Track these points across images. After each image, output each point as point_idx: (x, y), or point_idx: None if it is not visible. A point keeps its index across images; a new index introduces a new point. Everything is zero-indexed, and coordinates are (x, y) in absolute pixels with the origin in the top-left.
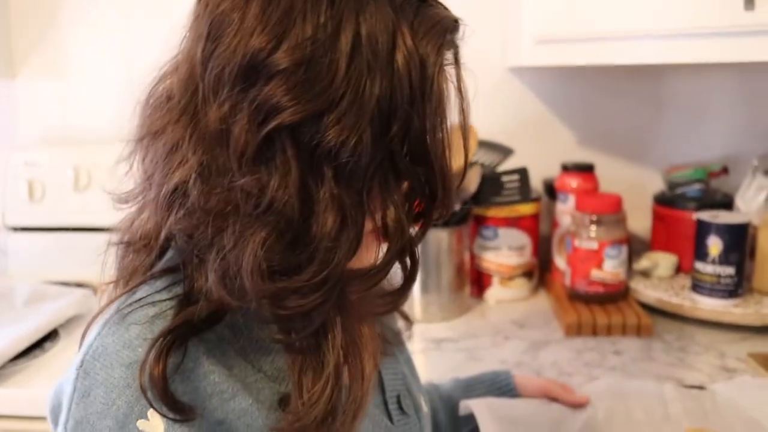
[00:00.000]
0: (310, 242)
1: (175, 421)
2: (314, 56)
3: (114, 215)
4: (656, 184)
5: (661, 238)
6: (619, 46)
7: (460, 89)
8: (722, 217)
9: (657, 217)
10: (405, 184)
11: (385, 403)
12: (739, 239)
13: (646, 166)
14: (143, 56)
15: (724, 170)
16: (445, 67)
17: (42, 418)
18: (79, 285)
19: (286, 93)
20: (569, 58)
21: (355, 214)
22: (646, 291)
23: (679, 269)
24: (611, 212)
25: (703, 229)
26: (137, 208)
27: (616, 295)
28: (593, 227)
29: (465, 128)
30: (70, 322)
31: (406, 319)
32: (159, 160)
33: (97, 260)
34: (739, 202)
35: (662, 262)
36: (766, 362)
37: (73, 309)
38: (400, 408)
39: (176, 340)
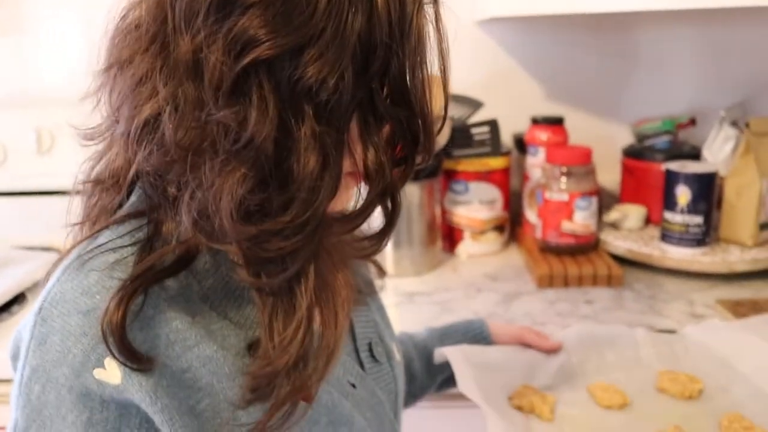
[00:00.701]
0: (292, 182)
1: (133, 369)
2: None
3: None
4: (625, 138)
5: (630, 190)
6: None
7: (439, 29)
8: (690, 167)
9: (626, 170)
10: (386, 127)
11: (357, 351)
12: (707, 189)
13: (614, 120)
14: (103, 12)
15: (692, 122)
16: (425, 6)
17: (10, 381)
18: (45, 249)
19: (264, 25)
20: (539, 8)
21: (336, 154)
22: (616, 242)
23: (648, 220)
24: (581, 164)
25: (671, 179)
26: (105, 144)
27: (586, 247)
28: (563, 179)
29: (445, 70)
30: (37, 285)
31: (379, 269)
32: (127, 92)
33: (63, 224)
34: (706, 152)
35: (632, 213)
36: (734, 308)
37: (40, 273)
38: (372, 355)
39: (137, 288)
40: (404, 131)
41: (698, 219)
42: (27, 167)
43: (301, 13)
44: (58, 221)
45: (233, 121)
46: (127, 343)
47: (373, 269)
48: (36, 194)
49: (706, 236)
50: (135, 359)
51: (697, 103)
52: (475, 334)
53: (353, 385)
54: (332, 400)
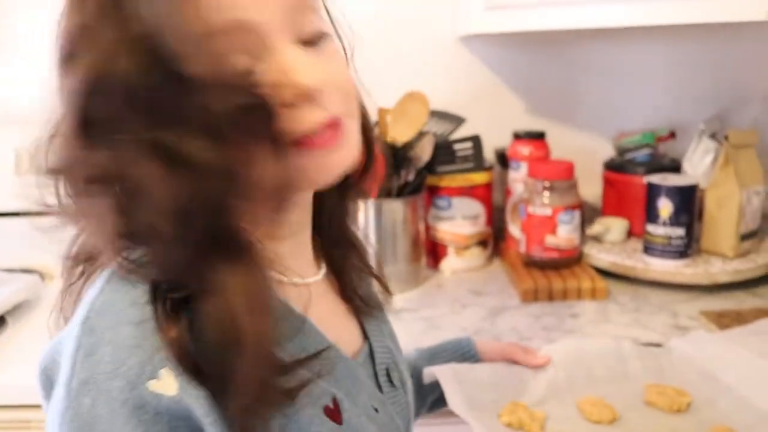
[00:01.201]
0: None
1: (189, 380)
2: None
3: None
4: (606, 151)
5: (612, 203)
6: (570, 11)
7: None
8: (672, 179)
9: (607, 183)
10: None
11: (376, 375)
12: (689, 201)
13: (595, 133)
14: None
15: (672, 135)
16: None
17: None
18: (25, 271)
19: None
20: (520, 24)
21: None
22: (600, 255)
23: (630, 233)
24: (563, 178)
25: (653, 192)
26: None
27: (570, 260)
28: (546, 193)
29: None
30: (17, 308)
31: (386, 289)
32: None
33: (43, 245)
34: (686, 165)
35: (614, 226)
36: (718, 319)
37: (21, 295)
38: (390, 380)
39: (187, 298)
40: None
41: (680, 231)
42: (4, 187)
43: None
44: (38, 243)
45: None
46: (185, 353)
47: (379, 289)
48: (14, 215)
49: (688, 248)
50: (192, 369)
51: (676, 115)
52: (464, 352)
53: (376, 410)
54: (361, 424)
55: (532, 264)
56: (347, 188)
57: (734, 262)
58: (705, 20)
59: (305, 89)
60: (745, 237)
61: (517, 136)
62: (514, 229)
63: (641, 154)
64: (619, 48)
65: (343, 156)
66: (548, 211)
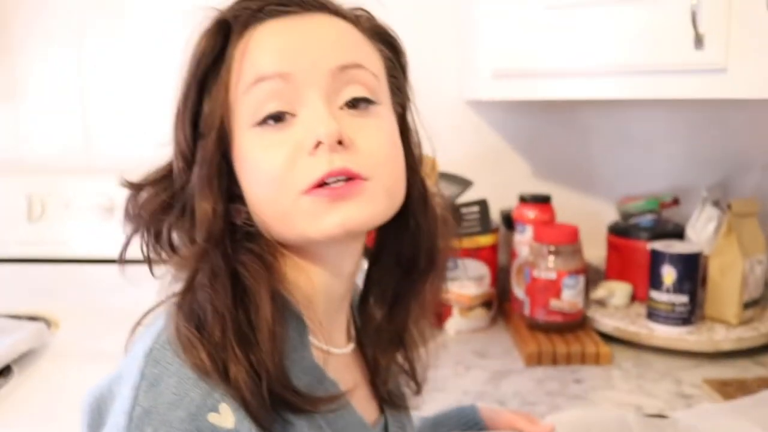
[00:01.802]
0: None
1: (246, 415)
2: None
3: (68, 248)
4: (610, 215)
5: (615, 267)
6: (576, 81)
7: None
8: (675, 246)
9: (611, 247)
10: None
11: None
12: (692, 268)
13: (599, 197)
14: (97, 81)
15: (675, 201)
16: None
17: None
18: (31, 318)
19: None
20: (526, 93)
21: None
22: (603, 320)
23: (633, 298)
24: (569, 243)
25: (657, 259)
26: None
27: (574, 324)
28: (551, 258)
29: None
30: (24, 357)
31: (417, 384)
32: None
33: (51, 293)
34: (690, 231)
35: (618, 291)
36: (721, 388)
37: (27, 343)
38: None
39: None
40: None
41: (684, 298)
42: (16, 234)
43: None
44: (45, 289)
45: None
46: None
47: (410, 385)
48: (24, 261)
49: (691, 315)
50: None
51: (679, 181)
52: (468, 421)
53: None
54: None
55: (536, 327)
56: (409, 280)
57: (737, 330)
58: (704, 96)
59: (321, 136)
60: (748, 305)
61: (523, 200)
62: (519, 291)
63: (645, 220)
64: (624, 114)
65: (350, 210)
66: (553, 275)
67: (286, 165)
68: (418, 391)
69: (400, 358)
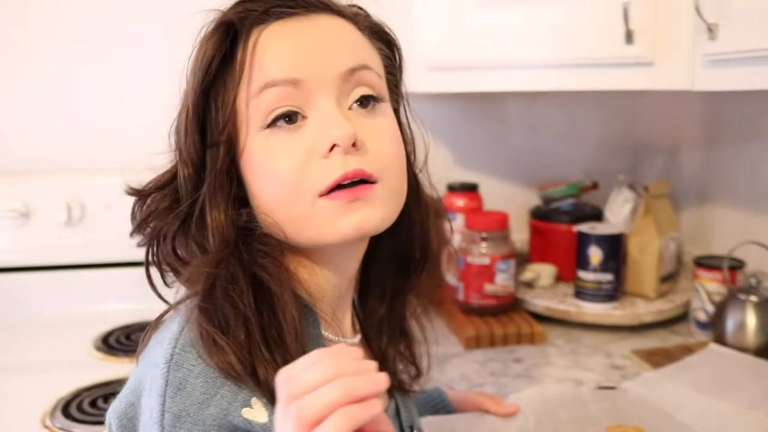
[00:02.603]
0: None
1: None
2: None
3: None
4: (531, 200)
5: (538, 249)
6: (511, 74)
7: None
8: (600, 228)
9: (534, 231)
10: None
11: (402, 430)
12: (616, 248)
13: (521, 184)
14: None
15: (594, 185)
16: None
17: None
18: None
19: None
20: (463, 86)
21: None
22: (534, 300)
23: (558, 278)
24: (499, 228)
25: (584, 241)
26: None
27: (507, 307)
28: (483, 244)
29: None
30: None
31: (417, 370)
32: None
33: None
34: (608, 213)
35: (544, 272)
36: (648, 357)
37: None
38: None
39: None
40: None
41: (609, 276)
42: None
43: None
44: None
45: None
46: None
47: (410, 370)
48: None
49: (616, 291)
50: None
51: (593, 166)
52: (435, 404)
53: None
54: None
55: (471, 311)
56: (405, 273)
57: (656, 303)
58: (632, 87)
59: (336, 138)
60: (664, 279)
61: (452, 188)
62: (451, 278)
63: (565, 204)
64: (542, 105)
65: (364, 214)
66: (486, 261)
67: (299, 167)
68: (418, 375)
69: (406, 351)
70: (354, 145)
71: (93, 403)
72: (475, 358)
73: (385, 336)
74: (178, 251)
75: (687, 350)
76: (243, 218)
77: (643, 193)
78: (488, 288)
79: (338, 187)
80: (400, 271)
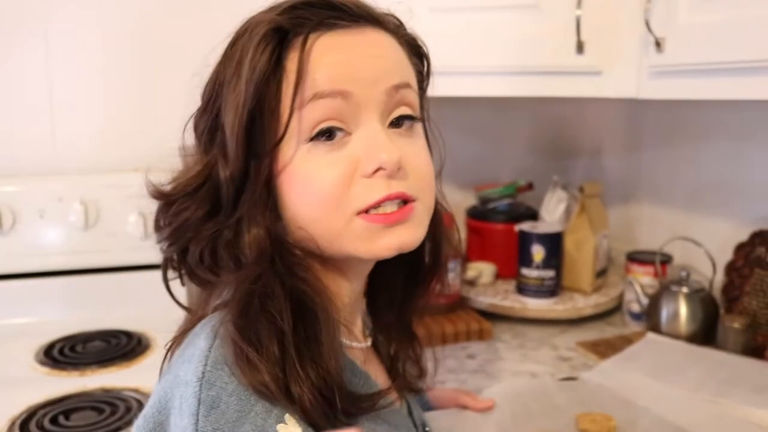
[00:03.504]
0: None
1: (308, 426)
2: None
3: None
4: (466, 200)
5: (476, 248)
6: (462, 80)
7: None
8: (540, 227)
9: (471, 230)
10: None
11: (415, 427)
12: (557, 246)
13: (455, 185)
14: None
15: (530, 186)
16: None
17: None
18: None
19: None
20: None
21: None
22: (478, 298)
23: (497, 275)
24: (448, 229)
25: (526, 239)
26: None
27: (455, 305)
28: None
29: None
30: None
31: (420, 369)
32: None
33: None
34: (543, 213)
35: (485, 270)
36: (593, 348)
37: None
38: None
39: None
40: None
41: (551, 273)
42: None
43: None
44: None
45: None
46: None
47: (413, 369)
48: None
49: (557, 287)
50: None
51: (530, 169)
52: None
53: None
54: None
55: (418, 311)
56: (414, 280)
57: (593, 297)
58: (582, 95)
59: (383, 163)
60: (598, 275)
61: None
62: None
63: (502, 204)
64: (476, 109)
65: (403, 234)
66: None
67: (341, 185)
68: (421, 375)
69: (413, 354)
70: (398, 168)
71: (54, 421)
72: (429, 356)
73: (394, 340)
74: (205, 259)
75: (626, 340)
76: (279, 230)
77: (576, 193)
78: (438, 287)
79: (378, 206)
80: (409, 278)
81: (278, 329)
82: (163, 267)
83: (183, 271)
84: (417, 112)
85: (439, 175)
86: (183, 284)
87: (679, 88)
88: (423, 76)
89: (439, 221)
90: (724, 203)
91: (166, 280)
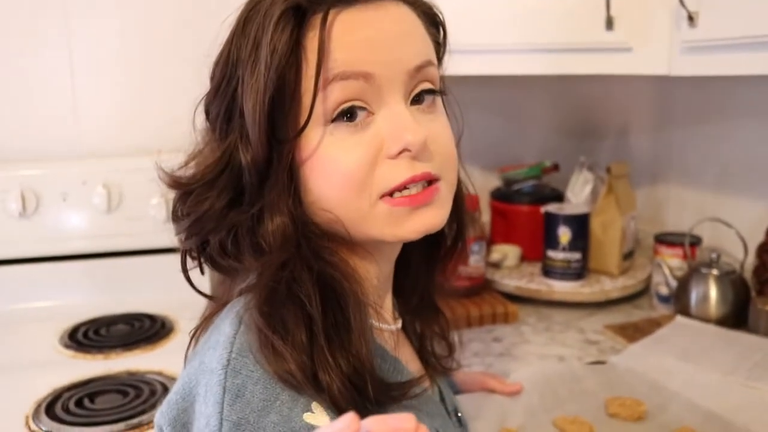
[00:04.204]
0: None
1: (336, 413)
2: None
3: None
4: (490, 182)
5: (500, 231)
6: (489, 58)
7: None
8: (567, 208)
9: (495, 212)
10: None
11: (448, 414)
12: (584, 227)
13: (478, 166)
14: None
15: (555, 167)
16: None
17: None
18: None
19: None
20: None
21: None
22: (503, 281)
23: (522, 258)
24: (471, 211)
25: (552, 221)
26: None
27: (479, 288)
28: None
29: None
30: None
31: (450, 346)
32: None
33: None
34: (569, 194)
35: (510, 253)
36: (621, 331)
37: None
38: (459, 419)
39: None
40: None
41: (578, 255)
42: None
43: None
44: None
45: None
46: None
47: (444, 347)
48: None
49: (584, 269)
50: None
51: (556, 149)
52: None
53: None
54: None
55: (444, 293)
56: (435, 259)
57: (620, 279)
58: (612, 72)
59: (409, 144)
60: (625, 257)
61: None
62: None
63: (527, 185)
64: (500, 89)
65: (428, 216)
66: None
67: (366, 166)
68: (451, 352)
69: (440, 330)
70: (423, 149)
71: (79, 403)
72: (455, 340)
73: (419, 317)
74: (228, 248)
75: (655, 323)
76: (302, 215)
77: (602, 174)
78: (462, 270)
79: (404, 188)
80: (431, 256)
81: (306, 315)
82: (182, 258)
83: (203, 261)
84: (438, 85)
85: (457, 145)
86: (203, 273)
87: (713, 64)
88: (439, 45)
89: (461, 197)
90: (756, 183)
91: (185, 271)
